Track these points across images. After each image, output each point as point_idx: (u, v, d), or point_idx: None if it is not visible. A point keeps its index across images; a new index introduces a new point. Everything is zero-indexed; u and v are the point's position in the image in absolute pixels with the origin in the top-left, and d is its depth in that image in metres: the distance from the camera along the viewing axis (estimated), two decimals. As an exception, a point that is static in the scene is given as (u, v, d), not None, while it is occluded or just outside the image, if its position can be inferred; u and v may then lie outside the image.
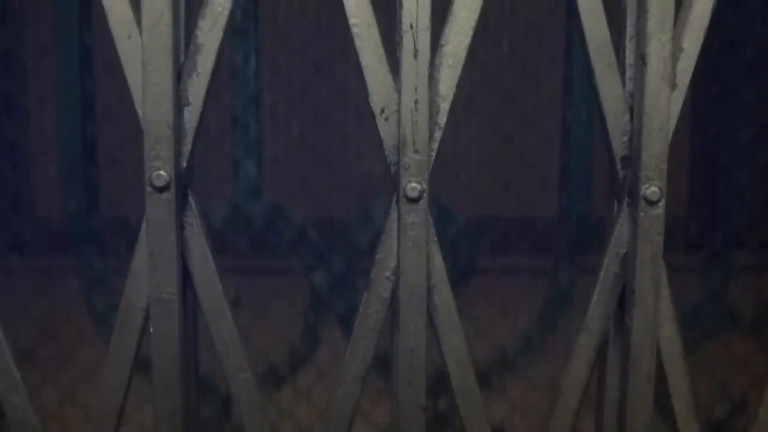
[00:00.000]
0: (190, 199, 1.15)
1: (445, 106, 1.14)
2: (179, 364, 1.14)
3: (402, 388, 1.18)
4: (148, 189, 1.10)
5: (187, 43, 1.13)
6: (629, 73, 1.17)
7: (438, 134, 1.15)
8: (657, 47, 1.12)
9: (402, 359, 1.17)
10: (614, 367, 1.24)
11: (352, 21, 1.13)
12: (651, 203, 1.15)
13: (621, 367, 1.22)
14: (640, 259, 1.17)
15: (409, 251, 1.14)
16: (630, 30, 1.16)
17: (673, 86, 1.15)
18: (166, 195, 1.11)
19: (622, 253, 1.20)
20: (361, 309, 1.18)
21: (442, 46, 1.13)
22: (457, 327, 1.20)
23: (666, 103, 1.14)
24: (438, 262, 1.17)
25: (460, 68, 1.14)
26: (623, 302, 1.21)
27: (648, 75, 1.13)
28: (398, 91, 1.13)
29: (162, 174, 1.10)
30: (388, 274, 1.17)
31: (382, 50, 1.13)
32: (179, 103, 1.12)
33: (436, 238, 1.17)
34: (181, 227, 1.14)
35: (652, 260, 1.17)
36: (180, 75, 1.12)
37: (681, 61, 1.15)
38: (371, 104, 1.15)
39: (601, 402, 1.26)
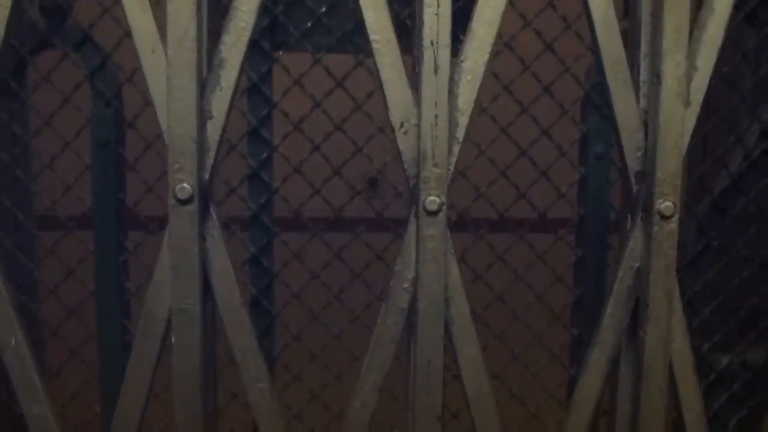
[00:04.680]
0: (212, 211, 1.16)
1: (463, 121, 1.16)
2: (200, 373, 1.15)
3: (419, 399, 1.19)
4: (172, 201, 1.12)
5: (210, 58, 1.15)
6: (643, 90, 1.19)
7: (457, 148, 1.17)
8: (672, 66, 1.14)
9: (419, 370, 1.19)
10: (627, 379, 1.25)
11: (372, 37, 1.15)
12: (665, 218, 1.17)
13: (634, 379, 1.24)
14: (653, 273, 1.19)
15: (427, 263, 1.16)
16: (644, 48, 1.18)
17: (687, 104, 1.17)
18: (189, 207, 1.12)
19: (635, 266, 1.22)
20: (379, 320, 1.20)
21: (462, 62, 1.16)
22: (473, 338, 1.21)
23: (680, 120, 1.16)
24: (455, 274, 1.19)
25: (478, 83, 1.16)
26: (636, 315, 1.23)
27: (663, 92, 1.15)
28: (418, 105, 1.15)
29: (185, 187, 1.12)
30: (406, 285, 1.19)
31: (401, 65, 1.15)
32: (202, 116, 1.13)
33: (453, 251, 1.19)
34: (202, 239, 1.15)
35: (666, 274, 1.19)
36: (203, 89, 1.14)
37: (695, 80, 1.17)
38: (390, 118, 1.17)
39: (613, 414, 1.28)
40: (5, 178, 1.40)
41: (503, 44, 1.39)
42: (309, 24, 1.40)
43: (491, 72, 1.36)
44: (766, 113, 1.44)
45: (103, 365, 1.40)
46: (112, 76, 1.41)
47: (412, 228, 1.17)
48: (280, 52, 1.43)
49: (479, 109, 1.32)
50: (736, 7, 1.37)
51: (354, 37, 1.41)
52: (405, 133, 1.17)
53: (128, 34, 1.30)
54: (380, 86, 1.17)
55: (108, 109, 1.40)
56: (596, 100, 1.42)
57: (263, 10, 1.28)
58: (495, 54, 1.31)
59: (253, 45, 1.40)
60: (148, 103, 1.34)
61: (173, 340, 1.15)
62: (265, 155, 1.45)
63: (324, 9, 1.40)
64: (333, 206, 1.47)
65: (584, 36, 1.39)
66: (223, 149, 1.17)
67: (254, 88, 1.44)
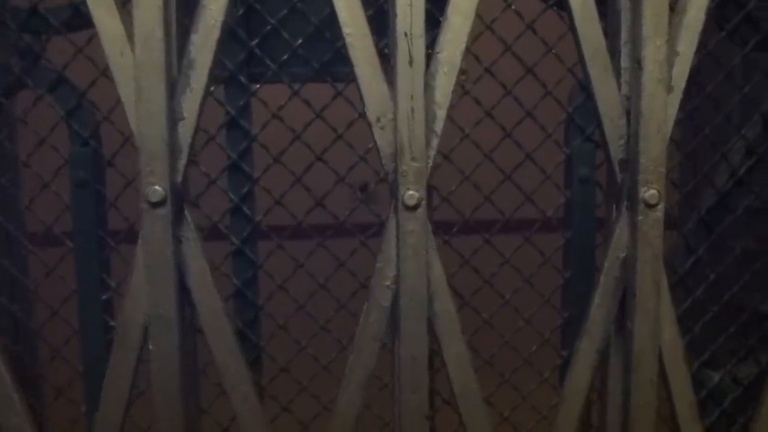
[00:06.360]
0: (186, 213, 1.14)
1: (441, 114, 1.14)
2: (179, 378, 1.13)
3: (405, 396, 1.17)
4: (144, 205, 1.10)
5: (180, 59, 1.13)
6: (625, 76, 1.17)
7: (435, 142, 1.14)
8: (652, 51, 1.12)
9: (404, 367, 1.17)
10: (616, 370, 1.23)
11: (345, 30, 1.12)
12: (650, 206, 1.15)
13: (623, 371, 1.22)
14: (640, 263, 1.16)
15: (408, 259, 1.14)
16: (624, 35, 1.15)
17: (669, 89, 1.14)
18: (161, 210, 1.10)
19: (621, 256, 1.19)
20: (361, 319, 1.18)
21: (437, 53, 1.13)
22: (458, 334, 1.19)
23: (662, 105, 1.13)
24: (438, 269, 1.17)
25: (455, 75, 1.13)
26: (624, 306, 1.21)
27: (644, 78, 1.13)
28: (394, 99, 1.12)
29: (157, 189, 1.09)
30: (388, 282, 1.16)
31: (377, 59, 1.13)
32: (173, 118, 1.11)
33: (435, 246, 1.17)
34: (177, 242, 1.13)
35: (653, 263, 1.17)
36: (173, 90, 1.11)
37: (676, 65, 1.15)
38: (367, 113, 1.15)
39: (604, 405, 1.26)
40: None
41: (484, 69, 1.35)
42: (286, 56, 1.35)
43: (473, 97, 1.33)
44: (752, 131, 1.43)
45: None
46: (88, 116, 1.36)
47: (391, 224, 1.15)
48: (258, 85, 1.38)
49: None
50: (719, 26, 1.35)
51: (332, 67, 1.37)
52: (382, 128, 1.14)
53: (104, 72, 1.28)
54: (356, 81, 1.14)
55: (86, 149, 1.34)
56: (579, 122, 1.39)
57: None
58: (476, 80, 1.28)
59: (231, 79, 1.36)
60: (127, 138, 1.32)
61: (151, 346, 1.13)
62: (246, 189, 1.41)
63: (300, 41, 1.34)
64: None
65: (564, 58, 1.35)
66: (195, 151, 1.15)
67: (233, 121, 1.39)
